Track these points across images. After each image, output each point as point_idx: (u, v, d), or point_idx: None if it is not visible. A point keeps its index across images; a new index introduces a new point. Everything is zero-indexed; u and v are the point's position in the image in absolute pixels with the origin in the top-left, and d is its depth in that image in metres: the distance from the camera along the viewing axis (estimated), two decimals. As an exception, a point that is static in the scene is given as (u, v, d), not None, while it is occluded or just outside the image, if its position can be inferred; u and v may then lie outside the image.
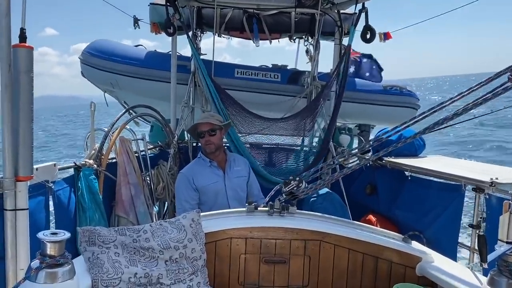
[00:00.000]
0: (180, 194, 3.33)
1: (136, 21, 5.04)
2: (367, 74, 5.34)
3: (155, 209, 3.82)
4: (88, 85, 5.97)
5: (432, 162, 3.65)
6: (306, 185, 2.44)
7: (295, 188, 2.43)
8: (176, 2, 4.31)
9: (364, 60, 5.45)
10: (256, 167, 4.15)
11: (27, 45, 2.20)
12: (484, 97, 2.03)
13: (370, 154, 3.94)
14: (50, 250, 1.54)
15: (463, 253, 3.46)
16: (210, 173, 3.36)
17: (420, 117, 2.36)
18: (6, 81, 2.12)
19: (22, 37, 2.20)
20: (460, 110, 2.14)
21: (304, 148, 4.66)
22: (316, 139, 4.75)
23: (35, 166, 2.39)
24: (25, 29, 2.20)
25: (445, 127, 2.23)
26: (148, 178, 3.85)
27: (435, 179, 3.36)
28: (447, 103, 2.28)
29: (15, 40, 2.18)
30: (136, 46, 5.94)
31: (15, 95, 2.15)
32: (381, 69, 5.64)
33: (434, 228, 3.30)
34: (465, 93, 2.24)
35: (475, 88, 2.20)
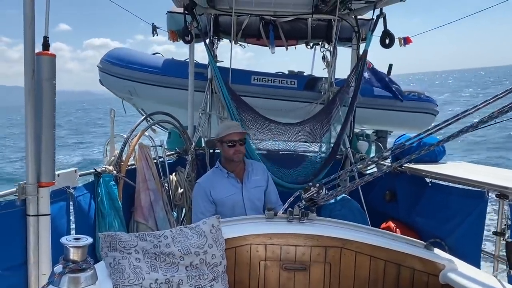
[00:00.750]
0: (196, 206, 3.27)
1: (154, 28, 5.10)
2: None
3: (174, 215, 3.82)
4: None
5: (453, 168, 3.59)
6: (326, 192, 2.42)
7: (315, 195, 2.41)
8: (194, 10, 4.35)
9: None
10: (271, 174, 4.14)
11: (50, 52, 2.24)
12: (510, 105, 1.99)
13: (389, 160, 3.89)
14: (73, 255, 1.55)
15: (487, 261, 3.38)
16: (228, 185, 3.29)
17: (444, 124, 2.33)
18: (30, 87, 2.16)
19: (45, 45, 2.24)
20: (486, 117, 2.11)
21: (322, 155, 4.63)
22: (332, 145, 4.72)
23: (56, 172, 2.42)
24: (48, 37, 2.24)
25: (470, 131, 2.19)
26: (166, 185, 3.86)
27: (457, 186, 3.29)
28: (472, 110, 2.25)
29: (37, 46, 2.22)
30: (154, 54, 6.02)
31: (38, 102, 2.19)
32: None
33: (456, 235, 3.23)
34: (490, 101, 2.21)
35: (501, 95, 2.16)
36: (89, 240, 1.58)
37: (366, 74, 5.13)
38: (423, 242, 2.33)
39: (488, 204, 3.03)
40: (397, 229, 3.66)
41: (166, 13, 5.45)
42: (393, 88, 5.41)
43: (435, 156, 3.87)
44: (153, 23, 5.13)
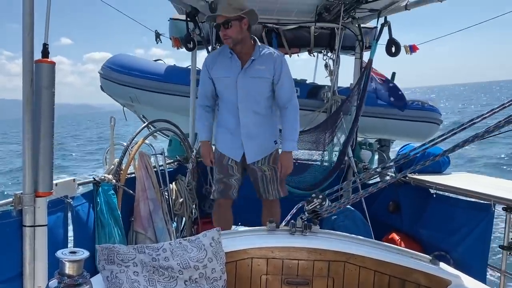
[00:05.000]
0: (199, 85, 3.41)
1: (158, 35, 5.08)
2: (392, 98, 5.21)
3: (173, 225, 3.77)
4: (99, 94, 6.04)
5: (458, 179, 3.53)
6: (330, 204, 2.36)
7: (318, 206, 2.35)
8: (196, 18, 4.32)
9: (390, 85, 5.34)
10: None
11: (49, 60, 2.20)
12: None
13: (392, 170, 3.84)
14: (68, 269, 1.49)
15: (493, 276, 3.31)
16: (227, 65, 3.20)
17: (449, 134, 2.28)
18: (28, 96, 2.11)
19: (45, 52, 2.20)
20: (492, 127, 2.05)
21: (324, 163, 4.58)
22: (336, 154, 4.67)
23: (54, 182, 2.37)
24: (47, 44, 2.20)
25: (476, 141, 2.14)
26: (166, 193, 3.81)
27: (462, 197, 3.24)
28: (478, 119, 2.20)
29: (37, 55, 2.18)
30: (156, 60, 5.99)
31: (36, 110, 2.15)
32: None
33: (462, 248, 3.17)
34: (496, 110, 2.15)
35: (507, 104, 2.11)
36: (86, 253, 1.53)
37: (372, 84, 5.09)
38: (428, 256, 2.27)
39: (495, 217, 2.97)
40: (401, 241, 3.60)
41: (169, 20, 5.43)
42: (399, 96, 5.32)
43: (440, 166, 3.81)
44: (156, 30, 5.11)
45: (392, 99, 5.08)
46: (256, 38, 3.29)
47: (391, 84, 5.23)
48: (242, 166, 3.38)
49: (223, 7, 3.10)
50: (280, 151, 3.38)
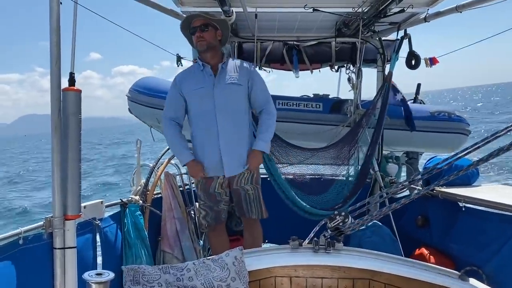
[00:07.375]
0: (167, 100, 3.38)
1: (179, 59, 5.18)
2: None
3: (200, 243, 3.81)
4: (127, 106, 6.14)
5: (488, 192, 3.43)
6: (353, 220, 2.34)
7: (340, 224, 2.33)
8: None
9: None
10: (299, 200, 4.06)
11: (75, 88, 2.29)
12: None
13: (420, 183, 3.76)
14: (94, 291, 1.55)
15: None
16: (200, 77, 3.20)
17: (472, 148, 2.24)
18: (56, 123, 2.20)
19: (71, 81, 2.30)
20: None
21: (350, 178, 4.53)
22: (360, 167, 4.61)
23: (82, 204, 2.45)
24: (74, 73, 2.30)
25: (501, 154, 2.10)
26: (192, 212, 3.86)
27: (493, 210, 3.14)
28: (502, 132, 2.16)
29: (63, 83, 2.28)
30: None
31: (64, 136, 2.24)
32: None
33: (494, 263, 3.06)
34: None
35: None
36: (111, 275, 1.58)
37: (398, 96, 5.05)
38: (457, 272, 2.21)
39: None
40: (430, 256, 3.51)
41: None
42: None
43: (468, 179, 3.71)
44: (178, 54, 5.21)
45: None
46: (224, 54, 3.38)
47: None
48: (228, 187, 3.35)
49: (201, 14, 3.25)
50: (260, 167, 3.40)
